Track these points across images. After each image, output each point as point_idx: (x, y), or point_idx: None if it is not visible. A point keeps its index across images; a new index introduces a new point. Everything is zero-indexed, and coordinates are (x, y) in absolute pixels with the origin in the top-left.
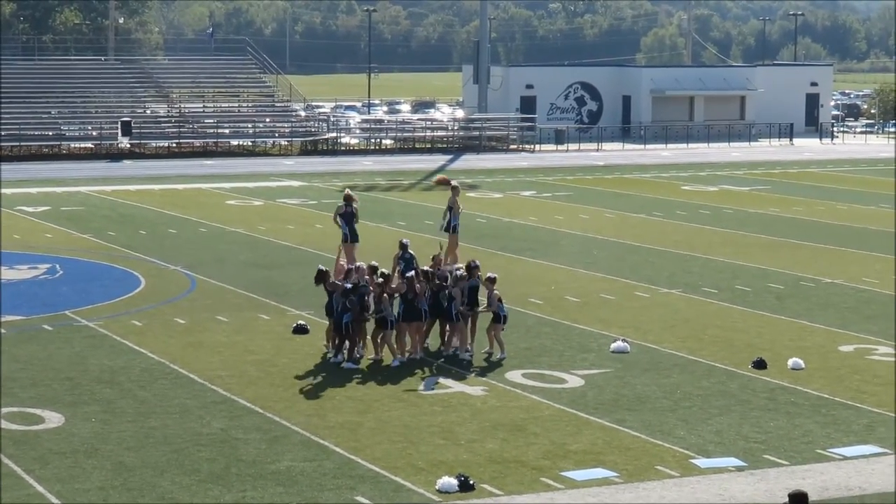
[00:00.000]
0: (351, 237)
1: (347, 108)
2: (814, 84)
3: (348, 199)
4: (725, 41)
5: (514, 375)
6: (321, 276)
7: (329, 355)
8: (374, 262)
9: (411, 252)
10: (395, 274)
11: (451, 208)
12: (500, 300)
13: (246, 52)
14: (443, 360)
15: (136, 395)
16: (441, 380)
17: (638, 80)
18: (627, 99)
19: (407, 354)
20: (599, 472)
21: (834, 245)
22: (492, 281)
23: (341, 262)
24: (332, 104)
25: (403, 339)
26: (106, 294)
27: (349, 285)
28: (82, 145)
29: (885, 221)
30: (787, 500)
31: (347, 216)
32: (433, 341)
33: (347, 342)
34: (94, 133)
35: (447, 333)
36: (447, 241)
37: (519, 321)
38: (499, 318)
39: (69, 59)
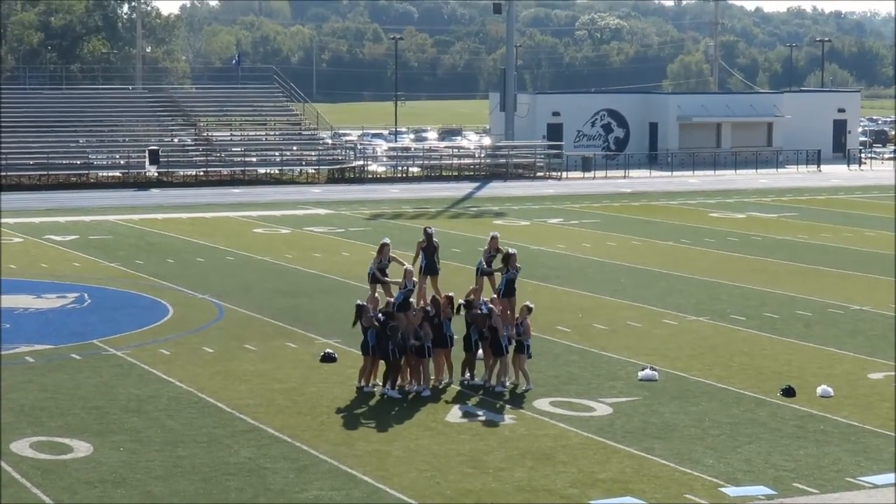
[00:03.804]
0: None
1: (374, 135)
2: (841, 110)
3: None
4: (752, 67)
5: (542, 403)
6: (359, 312)
7: (374, 391)
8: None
9: (437, 241)
10: (417, 261)
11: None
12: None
13: (273, 80)
14: (485, 392)
15: (164, 424)
16: (469, 408)
17: (665, 106)
18: (654, 126)
19: (432, 382)
20: (628, 501)
21: (862, 272)
22: (528, 310)
23: (376, 296)
24: (359, 132)
25: (428, 367)
26: (134, 323)
27: (381, 316)
28: (110, 174)
29: None
30: None
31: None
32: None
33: (392, 371)
34: (122, 162)
35: (492, 366)
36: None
37: (546, 349)
38: (523, 349)
39: (97, 87)
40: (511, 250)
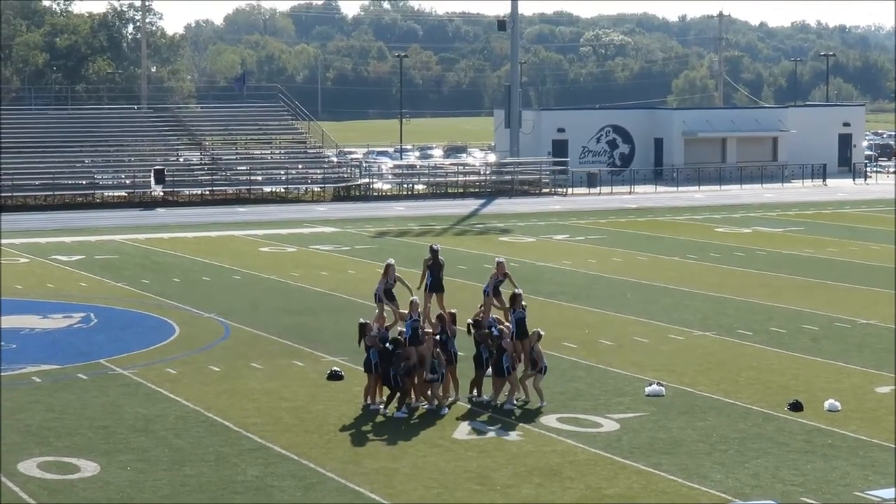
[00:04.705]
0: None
1: (379, 153)
2: (846, 124)
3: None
4: (757, 82)
5: (549, 420)
6: (362, 330)
7: (379, 409)
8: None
9: (442, 259)
10: (423, 281)
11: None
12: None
13: (278, 98)
14: (490, 411)
15: (171, 444)
16: (476, 425)
17: (669, 122)
18: (659, 141)
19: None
20: None
21: (868, 286)
22: (538, 336)
23: (384, 315)
24: (364, 150)
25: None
26: (140, 342)
27: (389, 345)
28: (116, 194)
29: None
30: None
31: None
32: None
33: (399, 393)
34: (128, 181)
35: (498, 385)
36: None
37: (553, 365)
38: (539, 369)
39: (102, 107)
40: (517, 290)
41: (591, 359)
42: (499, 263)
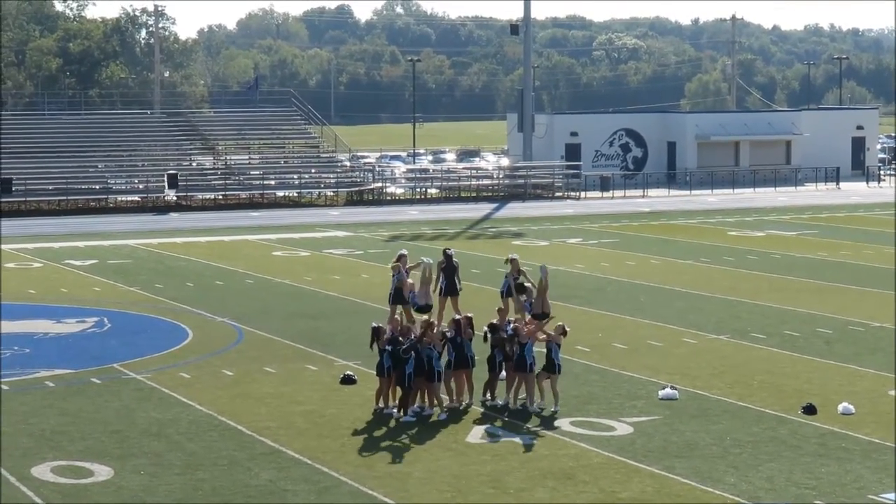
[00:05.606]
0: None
1: (392, 157)
2: (859, 127)
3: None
4: (770, 86)
5: (563, 423)
6: (375, 334)
7: (392, 413)
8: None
9: (457, 261)
10: (437, 285)
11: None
12: (558, 345)
13: (291, 103)
14: (507, 412)
15: (184, 448)
16: (490, 429)
17: (682, 125)
18: (672, 145)
19: (454, 402)
20: None
21: (882, 289)
22: (563, 331)
23: (396, 317)
24: (377, 154)
25: (450, 387)
26: (154, 346)
27: (388, 347)
28: (129, 198)
29: None
30: None
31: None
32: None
33: (405, 396)
34: (141, 186)
35: (515, 385)
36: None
37: (567, 369)
38: (554, 368)
39: (115, 112)
40: (526, 284)
41: (604, 362)
42: (512, 260)
